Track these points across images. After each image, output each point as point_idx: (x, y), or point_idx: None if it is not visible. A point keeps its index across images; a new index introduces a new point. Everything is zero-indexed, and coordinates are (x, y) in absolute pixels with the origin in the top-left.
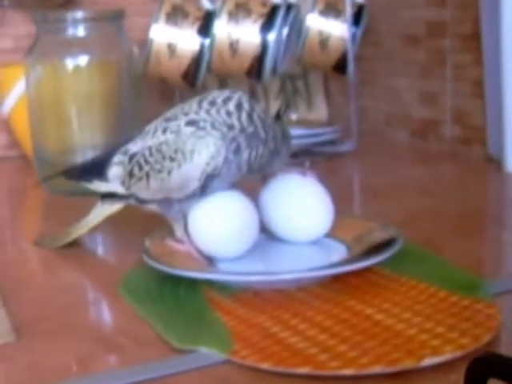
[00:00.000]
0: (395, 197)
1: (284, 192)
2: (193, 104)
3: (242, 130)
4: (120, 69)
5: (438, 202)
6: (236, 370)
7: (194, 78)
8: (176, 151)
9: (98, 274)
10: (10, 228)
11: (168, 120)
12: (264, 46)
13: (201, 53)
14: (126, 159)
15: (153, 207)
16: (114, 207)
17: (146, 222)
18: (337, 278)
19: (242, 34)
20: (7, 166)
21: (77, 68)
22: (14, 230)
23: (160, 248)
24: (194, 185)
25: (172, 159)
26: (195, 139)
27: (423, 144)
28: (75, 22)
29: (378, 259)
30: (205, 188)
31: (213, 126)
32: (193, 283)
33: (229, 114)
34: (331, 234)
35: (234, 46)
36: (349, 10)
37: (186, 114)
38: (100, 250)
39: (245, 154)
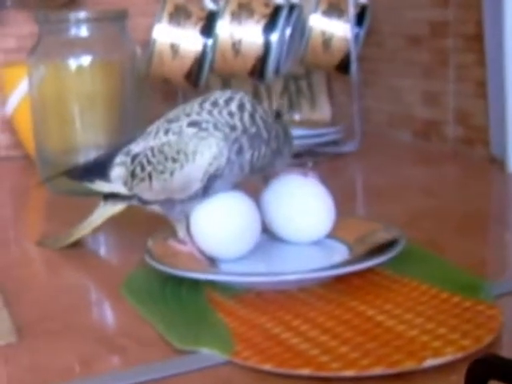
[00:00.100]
0: (398, 197)
1: (286, 192)
2: (194, 105)
3: (245, 130)
4: (123, 69)
5: (440, 203)
6: (238, 371)
7: (197, 78)
8: (178, 152)
9: (100, 274)
10: (12, 228)
11: (170, 121)
12: (267, 47)
13: (204, 53)
14: (128, 160)
15: (155, 208)
16: (117, 208)
17: (149, 223)
18: (339, 279)
19: (244, 34)
20: (10, 165)
21: (79, 68)
22: (16, 230)
23: (162, 249)
24: (197, 186)
25: (174, 160)
26: (197, 140)
27: (426, 144)
28: (78, 22)
29: (380, 260)
30: (207, 189)
31: (215, 126)
32: (195, 284)
33: (231, 114)
34: (333, 234)
35: (236, 47)
36: (352, 11)
37: (188, 115)
38: (103, 251)
39: (247, 155)
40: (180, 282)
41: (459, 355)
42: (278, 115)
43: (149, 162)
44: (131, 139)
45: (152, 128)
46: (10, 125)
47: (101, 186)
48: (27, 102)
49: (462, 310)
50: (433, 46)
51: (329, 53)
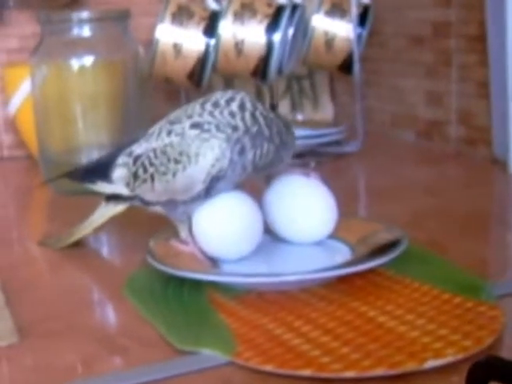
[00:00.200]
0: (400, 197)
1: (288, 193)
2: (196, 106)
3: (247, 130)
4: (125, 69)
5: (443, 203)
6: (239, 371)
7: (200, 78)
8: (181, 153)
9: (102, 274)
10: (15, 228)
11: (172, 123)
12: (269, 47)
13: (206, 53)
14: (130, 161)
15: (157, 209)
16: (118, 208)
17: (151, 223)
18: (341, 280)
19: (247, 34)
20: (13, 165)
21: (82, 68)
22: (19, 229)
23: (164, 249)
24: (199, 187)
25: (177, 161)
26: (200, 142)
27: (428, 144)
28: (80, 23)
29: (382, 261)
30: (209, 190)
31: (217, 128)
32: (197, 284)
33: (232, 114)
34: (335, 235)
35: (239, 47)
36: (354, 11)
37: (190, 117)
38: (105, 251)
39: (249, 154)
40: (182, 282)
41: (460, 356)
42: (272, 108)
43: (151, 163)
44: (133, 139)
45: (154, 129)
46: (12, 125)
47: (103, 187)
48: (30, 102)
49: (464, 311)
50: (435, 47)
51: (331, 53)
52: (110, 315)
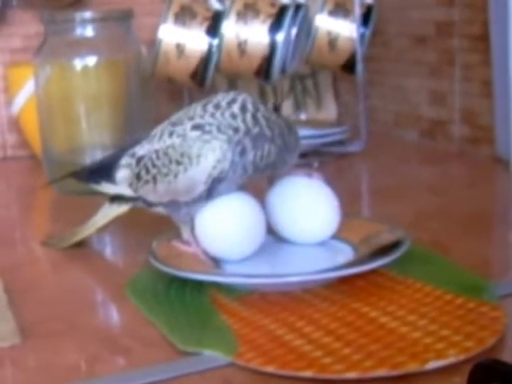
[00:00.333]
0: (403, 197)
1: (290, 194)
2: (197, 108)
3: (248, 131)
4: (128, 69)
5: (446, 202)
6: (241, 372)
7: (203, 77)
8: (182, 155)
9: (105, 274)
10: (18, 228)
11: (174, 124)
12: (272, 47)
13: (209, 53)
14: (133, 162)
15: (160, 210)
16: (121, 209)
17: (154, 224)
18: (343, 280)
19: (250, 34)
20: (17, 165)
21: (85, 68)
22: (23, 229)
23: (167, 250)
24: (201, 188)
25: (178, 163)
26: (201, 143)
27: (432, 144)
28: (83, 23)
29: (384, 261)
30: (211, 191)
31: (218, 129)
32: (199, 285)
33: (233, 116)
34: (338, 235)
35: (242, 47)
36: (358, 11)
37: (191, 118)
38: (107, 251)
39: (250, 156)
40: (184, 283)
41: (462, 357)
42: (275, 109)
43: (153, 164)
44: (136, 140)
45: (156, 131)
46: (16, 125)
47: (106, 187)
48: (33, 101)
49: (466, 312)
50: (439, 46)
51: (335, 53)
52: (112, 315)
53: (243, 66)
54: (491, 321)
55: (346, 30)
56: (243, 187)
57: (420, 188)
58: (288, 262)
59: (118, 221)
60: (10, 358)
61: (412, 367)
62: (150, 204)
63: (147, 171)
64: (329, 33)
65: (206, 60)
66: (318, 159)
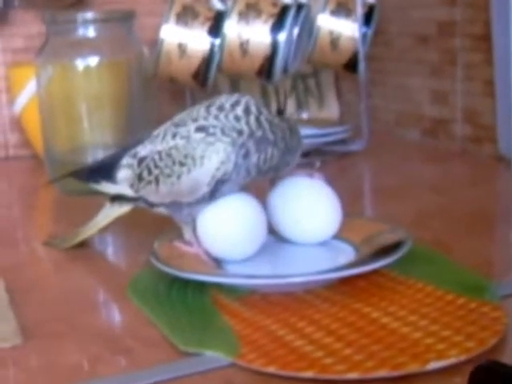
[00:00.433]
0: (405, 196)
1: (292, 194)
2: (201, 109)
3: (251, 134)
4: (130, 69)
5: (448, 201)
6: (242, 373)
7: (205, 77)
8: (186, 156)
9: (107, 275)
10: (20, 228)
11: (177, 125)
12: (274, 46)
13: (211, 53)
14: (135, 162)
15: (162, 210)
16: (123, 209)
17: (156, 224)
18: (344, 280)
19: (252, 34)
20: (19, 165)
21: (87, 68)
22: (24, 229)
23: (168, 250)
24: (204, 189)
25: (182, 164)
26: (205, 145)
27: (434, 143)
28: (85, 23)
29: (386, 262)
30: (214, 192)
31: (223, 131)
32: (201, 285)
33: (237, 118)
34: (340, 235)
35: (244, 46)
36: (360, 10)
37: (195, 120)
38: (109, 251)
39: (254, 158)
40: (186, 283)
41: (463, 358)
42: (279, 112)
43: (156, 165)
44: (138, 140)
45: (159, 132)
46: (18, 124)
47: (107, 187)
48: (35, 101)
49: (467, 312)
50: (441, 46)
51: (337, 52)
52: (114, 316)
53: (245, 66)
54: (492, 321)
55: (347, 29)
56: (245, 188)
57: (422, 187)
58: (289, 262)
59: (119, 221)
60: (12, 358)
61: (413, 368)
62: (152, 204)
63: (149, 172)
64: (331, 32)
65: (207, 60)
66: (320, 158)
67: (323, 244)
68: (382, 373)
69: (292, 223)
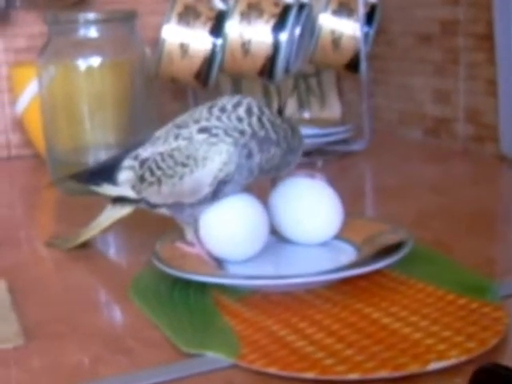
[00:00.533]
0: (407, 196)
1: (293, 194)
2: (203, 111)
3: (254, 134)
4: (132, 69)
5: (450, 201)
6: (243, 373)
7: (207, 77)
8: (188, 157)
9: (109, 275)
10: (22, 228)
11: (179, 127)
12: (276, 46)
13: (213, 53)
14: (136, 164)
15: (164, 211)
16: (125, 210)
17: (158, 225)
18: (345, 281)
19: (254, 34)
20: (21, 164)
21: (89, 69)
22: (26, 230)
23: (170, 251)
24: (206, 190)
25: (184, 165)
26: (208, 146)
27: (436, 142)
28: (87, 23)
29: (387, 262)
30: (217, 193)
31: (225, 132)
32: (202, 286)
33: (239, 119)
34: (341, 235)
35: (246, 46)
36: (361, 10)
37: (197, 121)
38: (111, 252)
39: (256, 158)
40: (187, 284)
41: (464, 358)
42: (279, 112)
43: (158, 166)
44: (139, 141)
45: (161, 133)
46: (20, 124)
47: (108, 189)
48: (37, 101)
49: (468, 312)
50: (443, 45)
51: (338, 52)
52: (116, 316)
53: (247, 66)
54: (493, 321)
55: (349, 28)
56: (247, 188)
57: (424, 187)
58: (291, 262)
59: (121, 222)
60: (14, 359)
61: (414, 368)
62: (154, 205)
63: (152, 173)
64: (332, 32)
65: (209, 60)
66: (322, 158)
67: (324, 244)
68: (383, 373)
69: (293, 223)
